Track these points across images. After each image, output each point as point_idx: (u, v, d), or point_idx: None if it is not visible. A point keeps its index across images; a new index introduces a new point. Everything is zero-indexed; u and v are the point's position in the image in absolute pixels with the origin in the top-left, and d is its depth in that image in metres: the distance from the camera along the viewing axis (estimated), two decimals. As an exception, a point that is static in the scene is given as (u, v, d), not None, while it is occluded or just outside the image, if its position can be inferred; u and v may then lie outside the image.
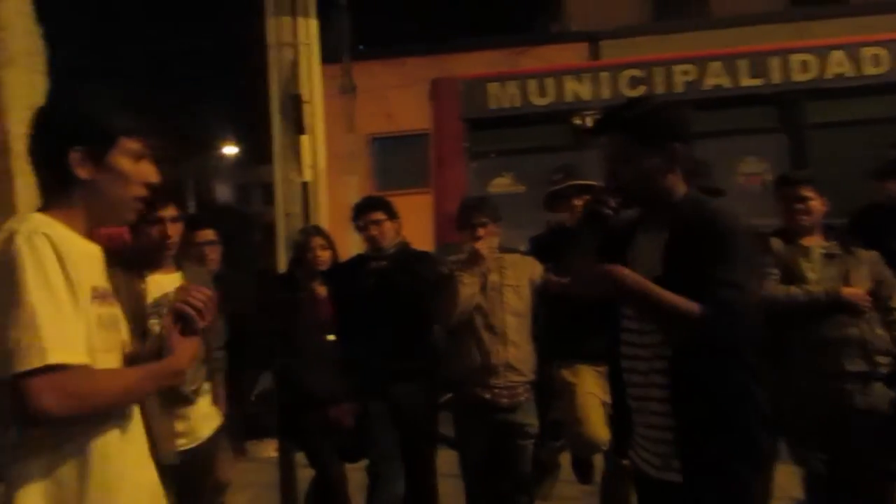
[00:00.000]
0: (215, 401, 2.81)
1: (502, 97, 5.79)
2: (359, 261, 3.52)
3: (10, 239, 1.36)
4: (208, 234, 3.53)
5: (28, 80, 4.05)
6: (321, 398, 3.34)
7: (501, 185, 5.70)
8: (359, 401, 3.36)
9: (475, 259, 3.18)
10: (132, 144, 1.52)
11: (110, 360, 1.50)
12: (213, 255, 3.53)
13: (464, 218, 3.32)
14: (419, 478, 3.35)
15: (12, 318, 1.32)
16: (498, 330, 3.21)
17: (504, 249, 3.40)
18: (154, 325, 2.52)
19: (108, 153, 1.48)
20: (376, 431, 3.31)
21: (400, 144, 11.86)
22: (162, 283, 2.61)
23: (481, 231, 3.23)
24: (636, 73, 5.78)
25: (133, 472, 1.51)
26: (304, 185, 4.72)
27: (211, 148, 25.46)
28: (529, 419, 3.24)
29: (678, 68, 5.73)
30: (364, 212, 3.41)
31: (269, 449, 5.36)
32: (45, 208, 1.50)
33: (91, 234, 1.53)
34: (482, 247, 3.19)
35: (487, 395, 3.18)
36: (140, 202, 1.56)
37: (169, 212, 2.59)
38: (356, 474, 3.54)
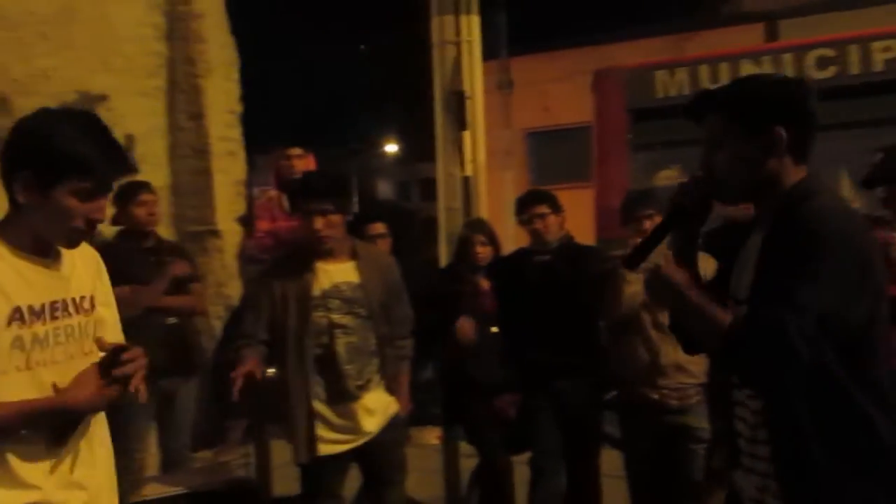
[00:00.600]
0: (394, 390, 2.83)
1: (670, 85, 5.55)
2: (522, 255, 3.52)
3: None
4: (379, 228, 3.72)
5: (224, 87, 4.46)
6: (486, 388, 3.40)
7: (668, 177, 5.47)
8: (522, 393, 3.37)
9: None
10: (81, 185, 1.47)
11: (40, 375, 1.50)
12: (384, 247, 3.69)
13: (629, 211, 3.22)
14: (581, 476, 3.31)
15: None
16: (667, 329, 3.08)
17: (673, 245, 3.26)
18: (320, 317, 2.62)
19: (54, 187, 1.45)
20: (539, 426, 3.31)
21: (556, 138, 11.73)
22: (332, 273, 2.69)
23: (648, 224, 3.12)
24: (826, 52, 5.24)
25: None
26: (465, 179, 4.82)
27: (373, 147, 26.63)
28: (701, 423, 3.08)
29: (878, 45, 5.12)
30: (528, 205, 3.40)
31: (431, 436, 5.53)
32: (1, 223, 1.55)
33: (41, 248, 1.53)
34: None
35: (655, 396, 3.07)
36: (80, 234, 1.54)
37: (319, 205, 2.64)
38: (518, 468, 3.56)
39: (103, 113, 3.87)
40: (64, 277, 1.58)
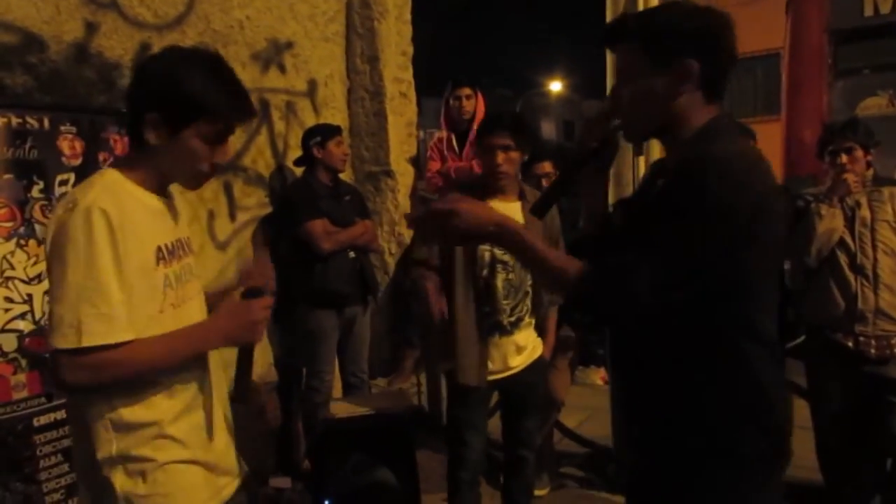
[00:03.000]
0: (542, 333, 2.92)
1: (881, 2, 4.87)
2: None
3: (70, 211, 1.39)
4: (546, 167, 3.70)
5: (397, 29, 4.55)
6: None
7: (875, 105, 4.87)
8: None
9: (839, 188, 2.81)
10: (210, 127, 1.48)
11: (185, 311, 1.55)
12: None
13: (826, 143, 2.94)
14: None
15: (58, 294, 1.38)
16: (868, 271, 2.82)
17: (879, 180, 2.94)
18: (484, 251, 2.71)
19: (182, 129, 1.47)
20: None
21: (739, 68, 10.80)
22: (500, 211, 2.70)
23: (844, 158, 2.84)
24: None
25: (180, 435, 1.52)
26: (638, 115, 4.59)
27: (538, 85, 26.15)
28: (905, 374, 2.82)
29: None
30: None
31: (597, 377, 5.53)
32: (121, 162, 1.60)
33: (162, 188, 1.56)
34: (849, 176, 2.81)
35: (850, 344, 2.84)
36: (205, 177, 1.57)
37: (501, 140, 2.69)
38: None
39: (289, 59, 4.13)
40: (177, 217, 1.63)
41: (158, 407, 1.50)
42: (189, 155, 1.50)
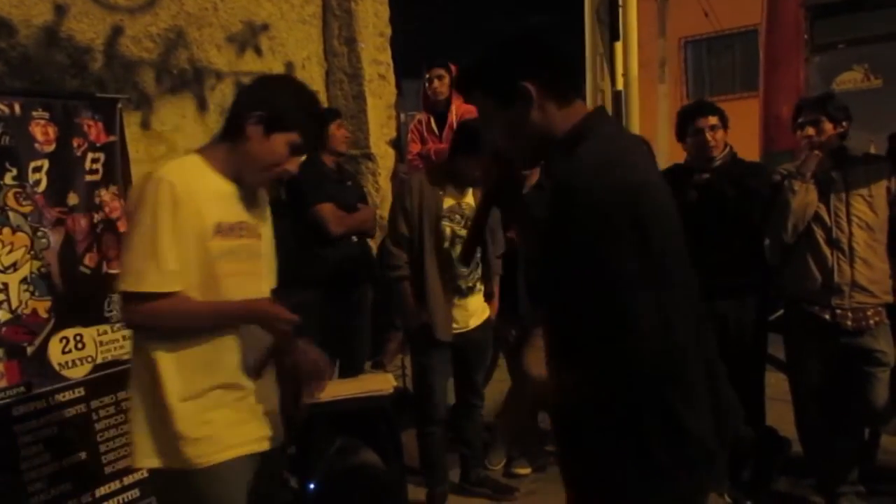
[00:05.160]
0: (488, 299, 3.35)
1: (858, -25, 4.89)
2: (680, 172, 3.33)
3: (146, 179, 1.72)
4: None
5: (375, 10, 4.51)
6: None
7: (851, 80, 4.89)
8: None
9: (810, 163, 2.84)
10: (297, 140, 1.78)
11: (238, 283, 1.80)
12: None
13: (798, 117, 2.96)
14: (744, 399, 3.19)
15: (128, 245, 1.72)
16: (843, 245, 2.86)
17: (854, 154, 2.97)
18: (446, 226, 3.14)
19: (277, 132, 1.76)
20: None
21: (717, 46, 10.87)
22: (456, 195, 3.18)
23: (811, 131, 2.88)
24: None
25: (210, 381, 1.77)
26: (617, 94, 4.60)
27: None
28: (881, 345, 2.86)
29: None
30: (697, 117, 3.16)
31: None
32: (206, 149, 1.83)
33: (236, 176, 1.80)
34: (816, 153, 2.85)
35: (827, 316, 2.88)
36: (274, 178, 1.84)
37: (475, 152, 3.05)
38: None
39: (265, 42, 4.08)
40: (248, 205, 1.87)
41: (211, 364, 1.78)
42: (273, 154, 1.78)
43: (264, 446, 1.88)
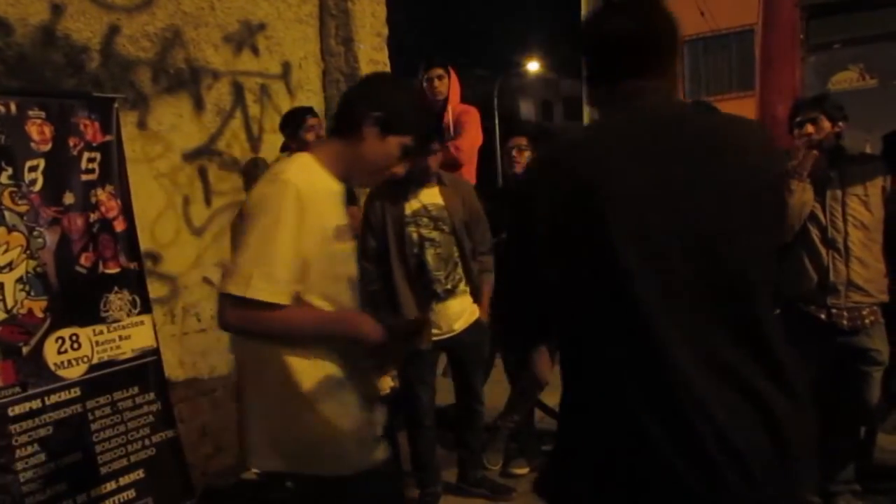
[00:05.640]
0: (478, 298, 3.28)
1: (852, -24, 4.90)
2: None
3: (271, 182, 1.67)
4: (520, 141, 3.76)
5: (371, 9, 4.50)
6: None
7: (846, 80, 4.91)
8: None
9: (807, 163, 2.85)
10: (410, 142, 1.78)
11: (340, 289, 1.77)
12: (520, 158, 3.72)
13: (796, 116, 2.97)
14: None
15: (242, 247, 1.63)
16: (839, 245, 2.86)
17: (850, 153, 2.98)
18: (412, 231, 3.11)
19: (393, 134, 1.75)
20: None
21: (713, 45, 10.87)
22: (421, 196, 3.15)
23: (810, 128, 2.89)
24: None
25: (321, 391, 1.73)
26: (615, 95, 4.59)
27: (515, 65, 26.07)
28: (876, 344, 2.87)
29: None
30: None
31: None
32: (316, 148, 1.82)
33: (343, 176, 1.79)
34: (818, 148, 2.86)
35: (823, 316, 2.89)
36: (380, 178, 1.87)
37: (436, 146, 3.10)
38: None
39: (262, 41, 4.07)
40: (342, 205, 1.86)
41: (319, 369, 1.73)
42: (386, 155, 1.77)
43: (380, 458, 1.85)
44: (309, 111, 3.75)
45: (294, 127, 3.66)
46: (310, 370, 1.71)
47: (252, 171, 3.98)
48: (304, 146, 3.66)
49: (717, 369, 1.16)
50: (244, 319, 1.63)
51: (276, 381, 1.71)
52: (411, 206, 3.13)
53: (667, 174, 1.19)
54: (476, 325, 3.27)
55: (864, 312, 2.86)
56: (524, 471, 3.71)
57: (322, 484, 1.73)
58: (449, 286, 3.17)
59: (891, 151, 3.28)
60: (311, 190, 1.66)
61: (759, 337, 1.20)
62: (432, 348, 3.10)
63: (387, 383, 3.26)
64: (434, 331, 3.08)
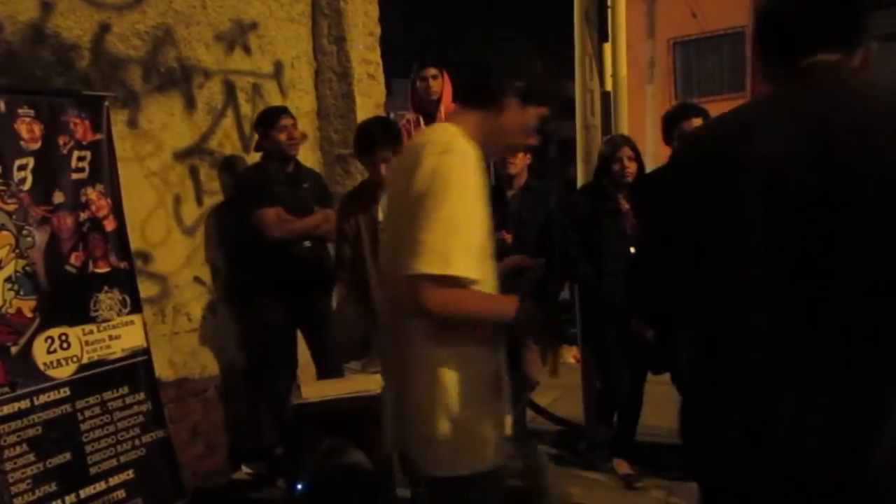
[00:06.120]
0: None
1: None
2: (668, 171, 3.36)
3: (445, 154, 1.53)
4: None
5: (364, 9, 4.50)
6: (621, 308, 3.35)
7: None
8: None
9: None
10: (543, 112, 1.71)
11: (489, 268, 1.64)
12: (514, 159, 3.69)
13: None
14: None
15: (428, 225, 1.48)
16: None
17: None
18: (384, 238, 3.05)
19: (532, 104, 1.68)
20: (681, 344, 3.25)
21: (705, 47, 10.92)
22: None
23: None
24: None
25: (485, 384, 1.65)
26: (605, 95, 4.61)
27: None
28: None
29: None
30: (683, 119, 3.20)
31: (568, 355, 5.59)
32: (454, 118, 1.71)
33: (483, 147, 1.65)
34: None
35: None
36: (516, 148, 1.83)
37: (384, 154, 3.07)
38: (657, 388, 3.54)
39: (254, 40, 4.06)
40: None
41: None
42: (523, 127, 1.70)
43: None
44: (283, 111, 3.70)
45: (267, 126, 3.63)
46: (482, 362, 1.64)
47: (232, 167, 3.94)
48: (276, 146, 3.64)
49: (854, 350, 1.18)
50: (445, 300, 1.49)
51: (456, 379, 1.60)
52: (384, 211, 3.16)
53: (827, 150, 1.18)
54: None
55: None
56: None
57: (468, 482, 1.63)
58: None
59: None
60: (478, 161, 1.58)
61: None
62: None
63: (378, 382, 3.26)
64: None
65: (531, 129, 1.72)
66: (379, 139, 3.08)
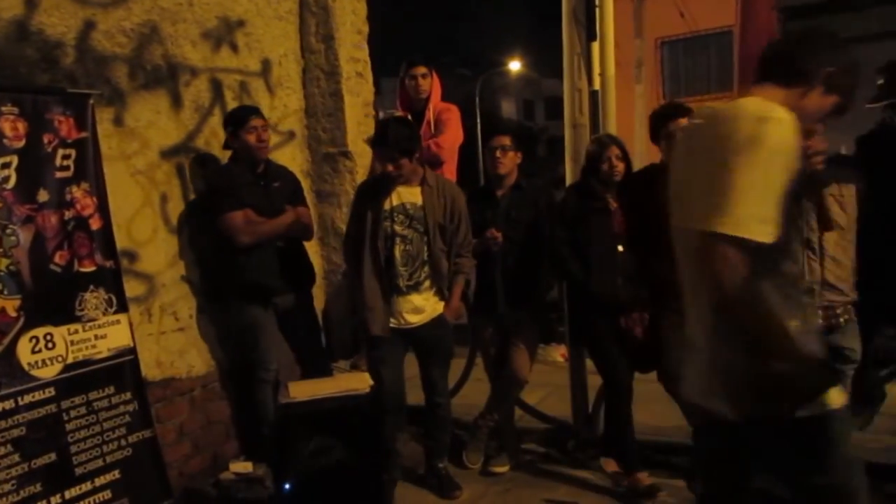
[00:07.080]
0: (447, 297, 3.41)
1: (828, -22, 4.97)
2: (656, 171, 3.37)
3: (764, 121, 1.54)
4: (503, 140, 3.73)
5: (352, 7, 4.48)
6: (610, 306, 3.37)
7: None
8: (650, 312, 3.31)
9: None
10: (839, 103, 1.71)
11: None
12: (511, 161, 3.71)
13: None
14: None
15: (730, 185, 1.53)
16: (814, 244, 2.91)
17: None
18: (387, 226, 3.27)
19: (834, 93, 1.70)
20: (667, 344, 3.25)
21: (692, 47, 10.97)
22: (402, 194, 3.32)
23: None
24: None
25: None
26: (593, 94, 4.62)
27: (497, 65, 26.12)
28: (850, 343, 2.92)
29: None
30: (671, 118, 3.20)
31: (557, 354, 5.61)
32: (759, 90, 1.71)
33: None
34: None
35: (799, 315, 2.93)
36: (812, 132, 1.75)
37: (391, 153, 3.20)
38: (647, 385, 3.55)
39: (241, 38, 4.04)
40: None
41: None
42: (821, 113, 1.71)
43: None
44: (254, 111, 3.63)
45: (236, 126, 3.55)
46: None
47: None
48: (245, 147, 3.56)
49: None
50: (733, 261, 1.53)
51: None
52: (391, 201, 3.28)
53: None
54: (437, 320, 3.39)
55: (839, 311, 2.90)
56: (504, 469, 3.72)
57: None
58: (412, 283, 3.32)
59: (864, 153, 3.33)
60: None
61: None
62: (393, 335, 3.33)
63: (366, 381, 3.25)
64: (391, 321, 3.34)
65: (824, 117, 1.72)
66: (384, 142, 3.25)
